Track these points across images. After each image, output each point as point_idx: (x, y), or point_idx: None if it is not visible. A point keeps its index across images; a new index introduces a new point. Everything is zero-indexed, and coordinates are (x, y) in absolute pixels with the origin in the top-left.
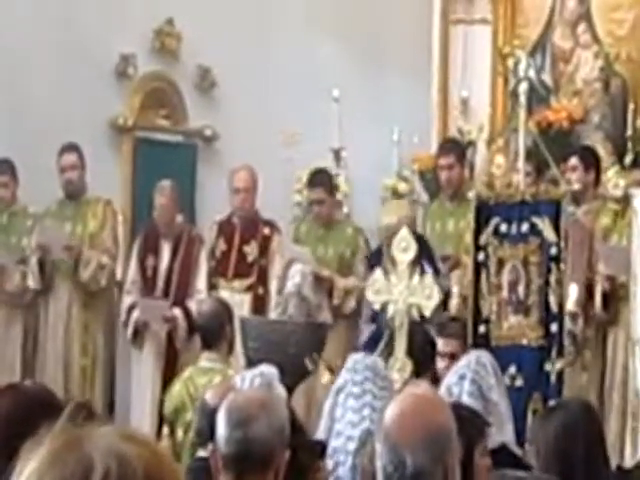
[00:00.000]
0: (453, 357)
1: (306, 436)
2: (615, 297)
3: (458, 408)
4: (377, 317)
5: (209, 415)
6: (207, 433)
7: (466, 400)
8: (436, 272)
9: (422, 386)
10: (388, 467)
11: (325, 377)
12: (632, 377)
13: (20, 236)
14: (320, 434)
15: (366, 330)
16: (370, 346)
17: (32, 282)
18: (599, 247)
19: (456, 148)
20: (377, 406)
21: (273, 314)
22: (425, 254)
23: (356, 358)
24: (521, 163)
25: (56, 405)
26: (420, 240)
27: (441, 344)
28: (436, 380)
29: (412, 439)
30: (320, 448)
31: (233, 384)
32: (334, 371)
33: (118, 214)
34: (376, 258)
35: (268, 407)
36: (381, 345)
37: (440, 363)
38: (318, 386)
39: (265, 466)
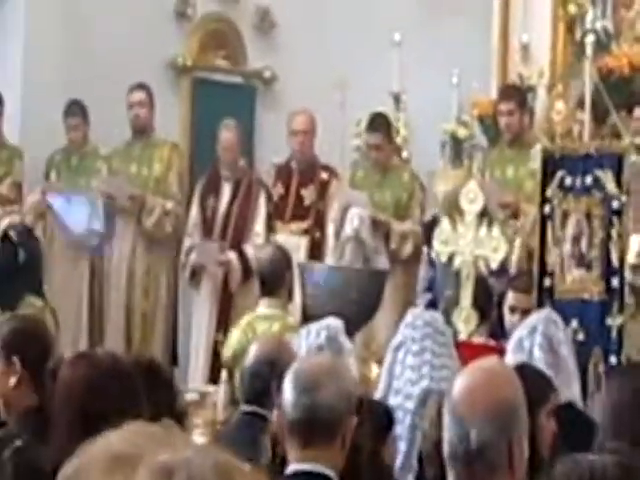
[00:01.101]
0: (526, 312)
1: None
2: None
3: (525, 369)
4: (433, 286)
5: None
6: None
7: (537, 353)
8: None
9: (491, 359)
10: (454, 439)
11: (374, 372)
12: None
13: (90, 178)
14: (379, 391)
15: (422, 299)
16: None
17: (98, 225)
18: None
19: (517, 94)
20: (436, 364)
21: (330, 258)
22: None
23: (415, 313)
24: (587, 116)
25: (126, 373)
26: None
27: (515, 299)
28: (500, 329)
29: (477, 414)
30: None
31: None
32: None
33: (185, 158)
34: (430, 227)
35: (335, 373)
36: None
37: (512, 317)
38: None
39: (332, 433)
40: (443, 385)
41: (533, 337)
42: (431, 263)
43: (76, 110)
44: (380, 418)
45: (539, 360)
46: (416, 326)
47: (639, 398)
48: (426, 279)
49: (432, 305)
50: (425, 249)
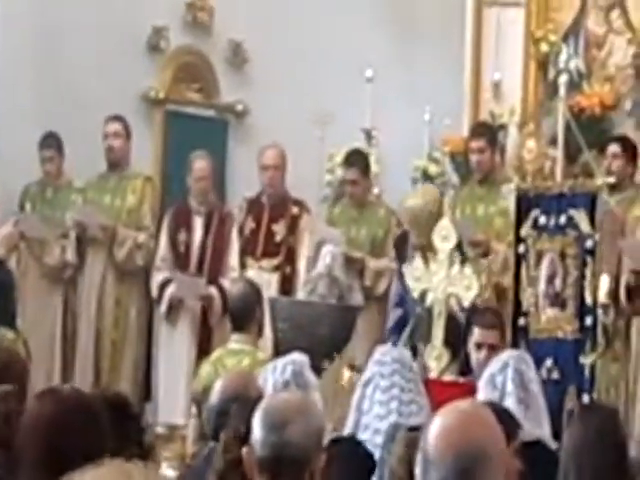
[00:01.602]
0: (493, 348)
1: None
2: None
3: (491, 407)
4: (404, 302)
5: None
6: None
7: (509, 387)
8: None
9: (466, 402)
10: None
11: (345, 376)
12: None
13: (64, 210)
14: (347, 427)
15: (392, 315)
16: (396, 331)
17: (70, 256)
18: (621, 242)
19: (488, 132)
20: (404, 399)
21: (301, 293)
22: None
23: (383, 350)
24: (560, 154)
25: (91, 410)
26: None
27: (481, 335)
28: (468, 368)
29: (447, 458)
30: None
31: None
32: (354, 368)
33: (158, 190)
34: (401, 242)
35: (305, 411)
36: (407, 331)
37: (479, 354)
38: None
39: (300, 470)
40: (411, 420)
41: (505, 372)
42: (401, 277)
43: (51, 142)
44: (362, 461)
45: (511, 394)
46: (384, 362)
47: (600, 439)
48: (397, 294)
49: (402, 321)
50: (395, 265)
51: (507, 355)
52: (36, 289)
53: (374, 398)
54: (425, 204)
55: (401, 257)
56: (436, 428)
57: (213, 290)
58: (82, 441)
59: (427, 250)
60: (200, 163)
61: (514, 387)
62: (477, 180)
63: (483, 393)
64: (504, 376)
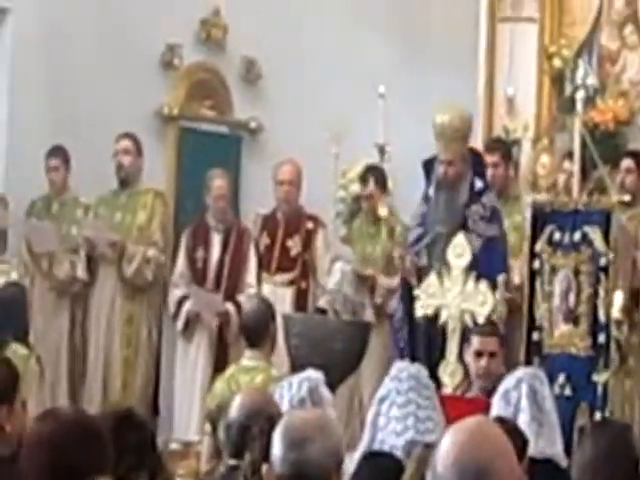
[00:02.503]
0: (493, 355)
1: None
2: None
3: (501, 423)
4: (424, 222)
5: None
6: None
7: (524, 403)
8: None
9: (475, 418)
10: None
11: None
12: None
13: (70, 225)
14: (362, 443)
15: (413, 232)
16: (415, 245)
17: (81, 273)
18: (636, 253)
19: (502, 147)
20: (421, 416)
21: (322, 301)
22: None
23: (400, 366)
24: (576, 170)
25: (95, 430)
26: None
27: (480, 343)
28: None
29: (450, 473)
30: None
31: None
32: None
33: (169, 206)
34: (429, 165)
35: (324, 428)
36: (424, 242)
37: (480, 362)
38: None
39: None
40: (427, 437)
41: (519, 388)
42: (426, 199)
43: (58, 153)
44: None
45: (525, 411)
46: (401, 379)
47: (612, 455)
48: (419, 215)
49: (422, 238)
50: (424, 185)
51: (522, 371)
52: (43, 303)
53: (390, 414)
54: (451, 119)
55: (429, 176)
56: (444, 445)
57: (230, 306)
58: (83, 461)
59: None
60: (219, 181)
61: (528, 404)
62: None
63: (497, 409)
64: (518, 392)
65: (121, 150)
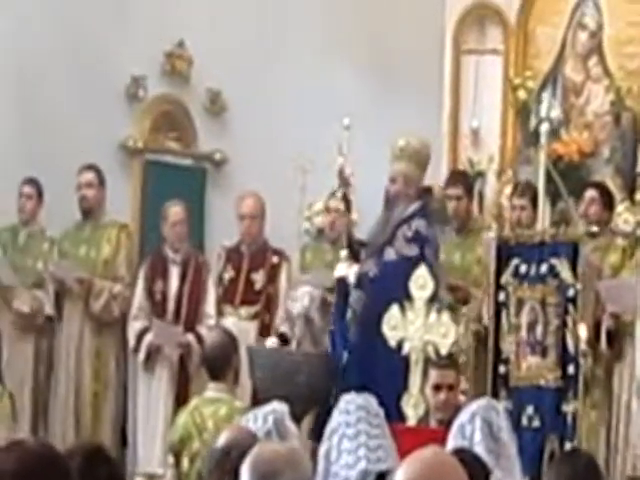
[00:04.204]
0: (451, 388)
1: None
2: (620, 335)
3: (461, 453)
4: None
5: (219, 459)
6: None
7: (478, 437)
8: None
9: (431, 449)
10: None
11: None
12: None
13: (36, 259)
14: (317, 476)
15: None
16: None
17: (49, 309)
18: (598, 284)
19: (464, 180)
20: (372, 445)
21: (283, 327)
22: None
23: (347, 399)
24: (541, 202)
25: (61, 464)
26: None
27: (438, 376)
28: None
29: None
30: None
31: (242, 426)
32: None
33: (134, 239)
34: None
35: (293, 462)
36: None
37: (439, 396)
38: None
39: None
40: (380, 466)
41: (474, 422)
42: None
43: (32, 182)
44: None
45: (480, 444)
46: (349, 411)
47: None
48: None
49: (340, 308)
50: None
51: (476, 405)
52: (7, 335)
53: (341, 447)
54: (401, 139)
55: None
56: (400, 476)
57: (191, 337)
58: None
59: None
60: (175, 208)
61: (482, 437)
62: (454, 228)
63: (452, 443)
64: (472, 425)
65: (84, 183)
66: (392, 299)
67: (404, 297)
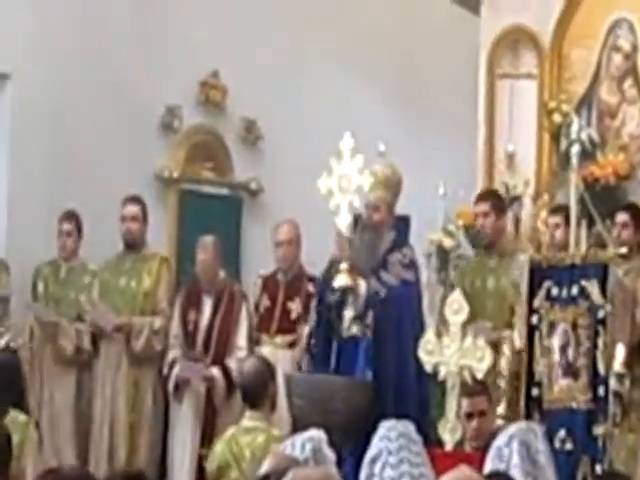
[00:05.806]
0: (483, 414)
1: None
2: None
3: (496, 477)
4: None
5: None
6: None
7: (515, 460)
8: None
9: (461, 470)
10: None
11: None
12: None
13: (78, 292)
14: None
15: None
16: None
17: (86, 344)
18: (635, 310)
19: (492, 197)
20: (415, 474)
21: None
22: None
23: (388, 425)
24: (573, 224)
25: None
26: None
27: (469, 404)
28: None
29: None
30: None
31: (284, 453)
32: None
33: (173, 271)
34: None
35: None
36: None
37: (471, 423)
38: None
39: None
40: None
41: (511, 445)
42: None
43: (71, 218)
44: None
45: (517, 467)
46: (391, 438)
47: None
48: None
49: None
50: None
51: (514, 427)
52: (50, 371)
53: (384, 475)
54: (385, 168)
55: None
56: None
57: (215, 371)
58: None
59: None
60: (201, 256)
61: (520, 460)
62: (484, 247)
63: (490, 465)
64: (510, 449)
65: (130, 216)
66: (403, 321)
67: (416, 318)
